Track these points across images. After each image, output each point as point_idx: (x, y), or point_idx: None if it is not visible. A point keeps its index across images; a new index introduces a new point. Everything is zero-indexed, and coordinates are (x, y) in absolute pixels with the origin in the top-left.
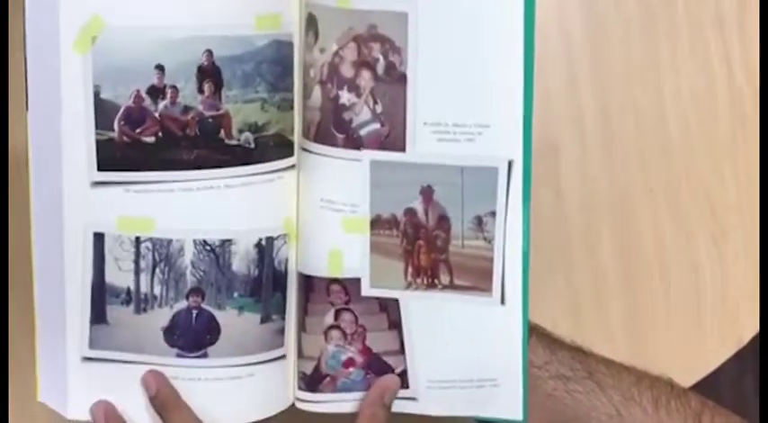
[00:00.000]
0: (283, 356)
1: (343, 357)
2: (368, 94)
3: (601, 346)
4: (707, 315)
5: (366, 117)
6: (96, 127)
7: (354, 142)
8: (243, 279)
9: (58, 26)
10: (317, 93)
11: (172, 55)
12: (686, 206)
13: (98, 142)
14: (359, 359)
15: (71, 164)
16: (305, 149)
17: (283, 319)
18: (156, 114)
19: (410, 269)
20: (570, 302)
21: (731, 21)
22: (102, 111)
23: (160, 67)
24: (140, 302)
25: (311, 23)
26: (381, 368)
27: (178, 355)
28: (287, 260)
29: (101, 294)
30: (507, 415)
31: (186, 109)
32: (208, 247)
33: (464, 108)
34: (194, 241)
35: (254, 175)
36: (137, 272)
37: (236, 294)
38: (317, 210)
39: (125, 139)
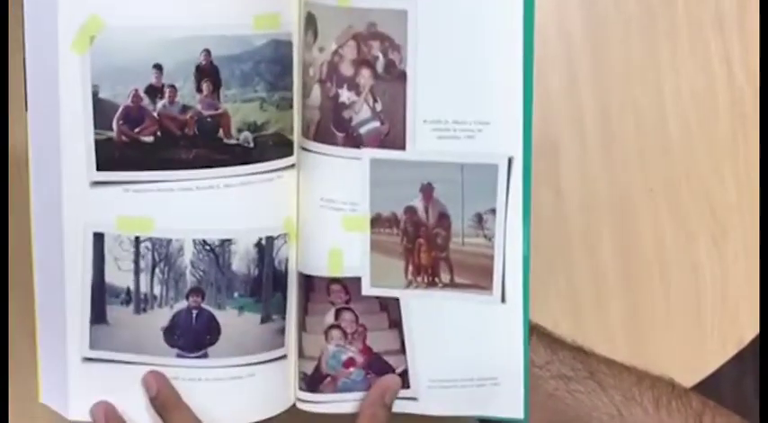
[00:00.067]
0: (284, 356)
1: (344, 357)
2: (367, 93)
3: (601, 346)
4: (707, 315)
5: (366, 115)
6: (95, 127)
7: (354, 141)
8: (243, 279)
9: (57, 26)
10: (316, 92)
11: (170, 54)
12: (686, 206)
13: (97, 142)
14: (359, 359)
15: (70, 164)
16: (304, 149)
17: (284, 318)
18: (155, 114)
19: (410, 268)
20: (570, 302)
21: (731, 21)
22: (101, 110)
23: (158, 67)
24: (140, 302)
25: (310, 22)
26: (382, 368)
27: (178, 356)
28: (287, 260)
29: (101, 294)
30: (508, 414)
31: (185, 108)
32: (207, 247)
33: (464, 105)
34: (194, 241)
35: (253, 174)
36: (136, 272)
37: (236, 294)
38: (317, 209)
39: (124, 138)
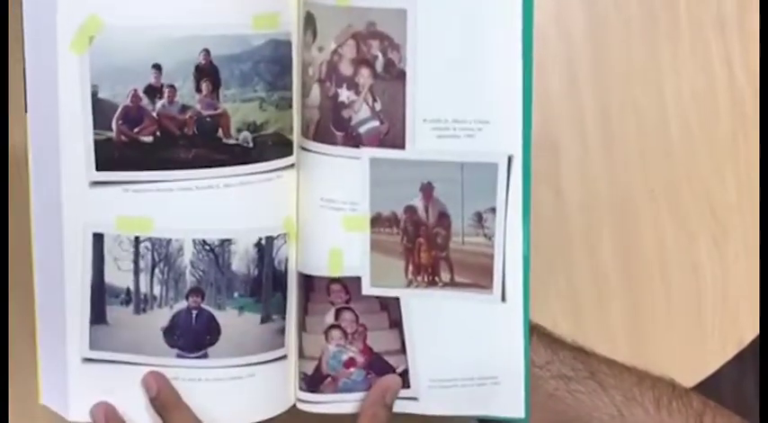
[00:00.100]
0: (284, 357)
1: (344, 357)
2: (367, 92)
3: (601, 347)
4: (707, 315)
5: (365, 115)
6: (94, 127)
7: (354, 140)
8: (243, 279)
9: (56, 26)
10: (315, 91)
11: (169, 54)
12: (687, 206)
13: (96, 142)
14: (360, 359)
15: (70, 164)
16: (304, 148)
17: (284, 319)
18: (154, 114)
19: (410, 267)
20: (571, 303)
21: (732, 22)
22: (100, 110)
23: (157, 67)
24: (140, 303)
25: (309, 22)
26: (382, 368)
27: (178, 356)
28: (287, 260)
29: (100, 295)
30: (509, 413)
31: (184, 108)
32: (207, 247)
33: (463, 104)
34: (194, 241)
35: (252, 174)
36: (136, 272)
37: (236, 294)
38: (317, 209)
39: (123, 138)
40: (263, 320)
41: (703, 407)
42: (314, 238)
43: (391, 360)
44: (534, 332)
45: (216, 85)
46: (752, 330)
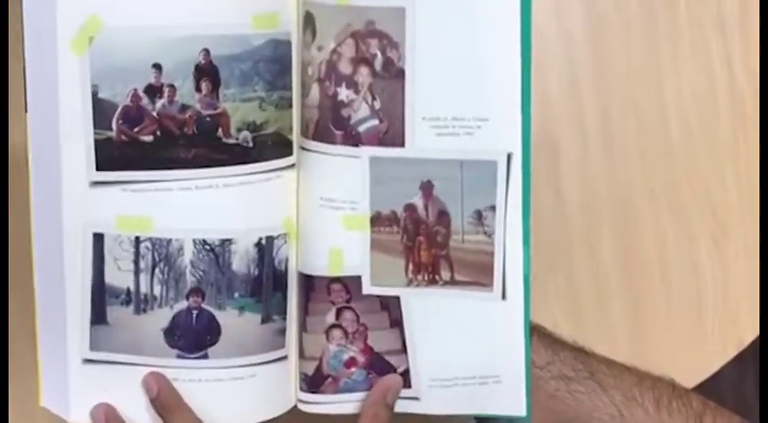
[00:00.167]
0: (285, 357)
1: (345, 357)
2: (366, 91)
3: (601, 347)
4: (708, 315)
5: (365, 113)
6: (94, 126)
7: (353, 139)
8: (243, 279)
9: (56, 26)
10: (315, 91)
11: (169, 54)
12: (687, 207)
13: (96, 142)
14: (360, 359)
15: (70, 164)
16: (304, 148)
17: (284, 319)
18: (154, 113)
19: (411, 266)
20: (571, 303)
21: (732, 22)
22: (100, 110)
23: (157, 66)
24: (140, 303)
25: (309, 21)
26: (383, 367)
27: (178, 356)
28: (287, 259)
29: (101, 295)
30: (511, 411)
31: (184, 108)
32: (207, 247)
33: (463, 102)
34: (194, 241)
35: (252, 174)
36: (136, 272)
37: (236, 294)
38: (317, 208)
39: (123, 138)
40: (264, 320)
41: (703, 407)
42: (314, 237)
43: (392, 360)
44: (535, 333)
45: (216, 84)
46: (752, 330)
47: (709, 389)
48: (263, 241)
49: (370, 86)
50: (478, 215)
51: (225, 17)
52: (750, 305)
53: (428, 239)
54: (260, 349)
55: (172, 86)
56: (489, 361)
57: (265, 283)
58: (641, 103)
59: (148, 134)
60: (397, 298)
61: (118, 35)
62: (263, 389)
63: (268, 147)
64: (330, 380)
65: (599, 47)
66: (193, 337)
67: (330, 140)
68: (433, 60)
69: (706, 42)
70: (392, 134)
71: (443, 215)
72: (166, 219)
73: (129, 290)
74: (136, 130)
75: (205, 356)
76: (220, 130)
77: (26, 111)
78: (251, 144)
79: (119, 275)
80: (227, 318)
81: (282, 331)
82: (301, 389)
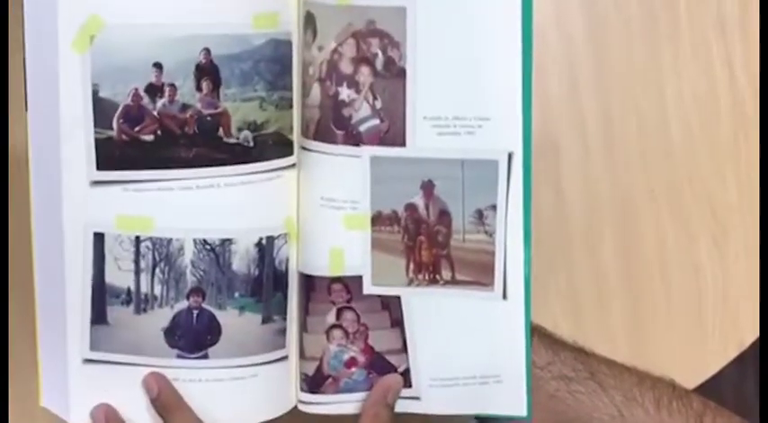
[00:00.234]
0: (285, 357)
1: (346, 357)
2: (367, 90)
3: (602, 347)
4: (708, 315)
5: (366, 113)
6: (95, 126)
7: (354, 139)
8: (243, 279)
9: (57, 26)
10: (315, 90)
11: (170, 53)
12: (687, 207)
13: (97, 141)
14: (361, 359)
15: (70, 163)
16: (304, 148)
17: (285, 319)
18: (155, 112)
19: (412, 265)
20: (571, 303)
21: (733, 23)
22: (101, 109)
23: (158, 66)
24: (140, 303)
25: (309, 21)
26: (384, 367)
27: (179, 356)
28: (287, 259)
29: (101, 295)
30: (512, 411)
31: (184, 107)
32: (208, 247)
33: (464, 101)
34: (194, 240)
35: (253, 173)
36: (137, 272)
37: (236, 294)
38: (318, 208)
39: (124, 137)
40: (264, 321)
41: (703, 407)
42: (315, 237)
43: (393, 359)
44: (535, 333)
45: (216, 84)
46: (752, 331)
47: (710, 389)
48: (264, 241)
49: (371, 86)
50: (479, 215)
51: (226, 17)
52: (750, 305)
53: (429, 239)
54: (260, 349)
55: (172, 86)
56: (490, 361)
57: (266, 282)
58: (642, 104)
59: (149, 133)
60: (398, 298)
61: (119, 34)
62: (263, 389)
63: (269, 146)
64: (330, 380)
65: (599, 48)
66: (194, 337)
67: (331, 140)
68: (433, 60)
69: (706, 43)
70: (393, 134)
71: (444, 215)
72: (167, 218)
73: (129, 290)
74: (136, 129)
75: (205, 356)
76: (221, 130)
77: (26, 110)
78: (252, 144)
79: (119, 275)
80: (228, 318)
81: (283, 331)
82: (302, 389)
